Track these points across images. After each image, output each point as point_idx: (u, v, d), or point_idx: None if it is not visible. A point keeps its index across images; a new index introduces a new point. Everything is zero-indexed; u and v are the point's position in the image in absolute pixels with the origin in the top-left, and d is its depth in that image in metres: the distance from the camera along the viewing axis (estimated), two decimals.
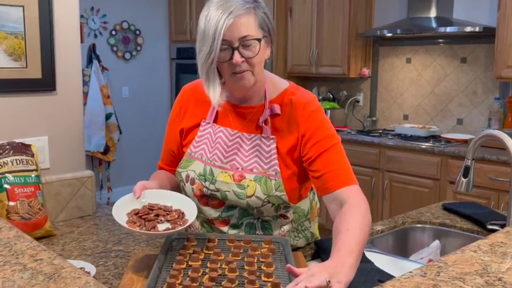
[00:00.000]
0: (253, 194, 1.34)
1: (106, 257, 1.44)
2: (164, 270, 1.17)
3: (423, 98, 4.37)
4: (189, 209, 1.30)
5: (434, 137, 3.98)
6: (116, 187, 5.46)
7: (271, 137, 1.36)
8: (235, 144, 1.38)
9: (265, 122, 1.37)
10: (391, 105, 4.60)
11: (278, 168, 1.34)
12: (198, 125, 1.45)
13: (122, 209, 1.26)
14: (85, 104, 4.80)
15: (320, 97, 4.90)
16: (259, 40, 1.26)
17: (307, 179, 1.39)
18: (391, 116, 4.60)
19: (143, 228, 1.20)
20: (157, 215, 1.26)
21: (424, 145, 3.75)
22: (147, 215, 1.25)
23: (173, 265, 1.17)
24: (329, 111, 4.61)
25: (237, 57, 1.25)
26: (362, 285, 1.19)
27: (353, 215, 1.20)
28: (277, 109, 1.37)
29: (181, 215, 1.28)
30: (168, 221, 1.25)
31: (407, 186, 3.84)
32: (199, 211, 1.44)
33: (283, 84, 1.42)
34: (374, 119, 4.68)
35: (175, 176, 1.49)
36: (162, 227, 1.24)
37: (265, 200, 1.34)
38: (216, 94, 1.29)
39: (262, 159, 1.35)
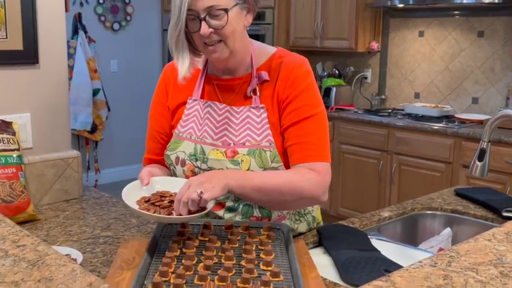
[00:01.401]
0: (248, 169, 1.35)
1: (94, 243, 1.45)
2: (156, 257, 1.18)
3: (436, 75, 4.35)
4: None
5: (447, 117, 3.98)
6: (104, 168, 5.47)
7: (261, 106, 1.37)
8: (224, 119, 1.40)
9: (254, 91, 1.39)
10: (401, 82, 4.58)
11: (272, 138, 1.36)
12: (184, 103, 1.46)
13: (130, 197, 1.26)
14: (70, 79, 4.77)
15: (325, 73, 4.88)
16: (225, 10, 1.28)
17: None
18: (401, 94, 4.59)
19: (157, 214, 1.21)
20: (171, 202, 1.26)
21: (436, 126, 3.75)
22: (161, 202, 1.25)
23: (166, 252, 1.18)
24: (334, 89, 4.60)
25: (203, 28, 1.28)
26: (368, 275, 1.20)
27: (291, 172, 1.31)
28: (265, 76, 1.39)
29: None
30: None
31: (417, 169, 3.84)
32: None
33: (271, 49, 1.44)
34: (383, 97, 4.67)
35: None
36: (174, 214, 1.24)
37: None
38: (183, 66, 1.33)
39: (254, 130, 1.37)
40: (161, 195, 1.28)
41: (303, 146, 1.32)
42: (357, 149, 4.16)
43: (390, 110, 4.40)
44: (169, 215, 1.22)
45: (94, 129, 5.10)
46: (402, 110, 4.34)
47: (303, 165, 1.32)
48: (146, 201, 1.26)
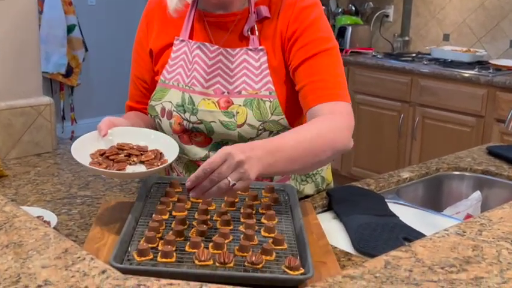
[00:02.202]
0: (244, 122, 1.34)
1: (70, 204, 1.45)
2: (141, 221, 1.18)
3: (469, 14, 4.28)
4: (169, 148, 1.30)
5: (481, 63, 3.94)
6: (81, 118, 5.46)
7: (260, 47, 1.35)
8: (217, 63, 1.38)
9: (252, 30, 1.36)
10: (428, 21, 4.51)
11: (272, 87, 1.35)
12: (170, 45, 1.45)
13: (84, 149, 1.26)
14: (40, 13, 4.70)
15: (339, 9, 4.81)
16: None
17: None
18: (428, 36, 4.54)
19: (110, 169, 1.21)
20: (129, 155, 1.26)
21: (467, 73, 3.71)
22: (116, 155, 1.25)
23: (153, 215, 1.18)
24: (349, 28, 4.54)
25: None
26: (384, 244, 1.21)
27: (316, 123, 1.26)
28: (265, 11, 1.36)
29: (158, 155, 1.28)
30: (142, 162, 1.26)
31: (443, 124, 3.84)
32: (182, 151, 1.44)
33: None
34: (407, 39, 4.61)
35: (147, 114, 1.49)
36: (136, 169, 1.24)
37: (261, 127, 1.35)
38: None
39: (252, 77, 1.36)
40: (120, 148, 1.28)
41: (318, 85, 1.30)
42: (375, 100, 4.14)
43: (414, 54, 4.36)
44: (122, 169, 1.22)
45: (69, 72, 5.07)
46: (429, 54, 4.30)
47: (320, 108, 1.29)
48: (102, 155, 1.26)
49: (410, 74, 3.95)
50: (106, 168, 1.21)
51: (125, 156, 1.26)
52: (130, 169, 1.24)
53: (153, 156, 1.27)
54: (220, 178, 1.08)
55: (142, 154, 1.28)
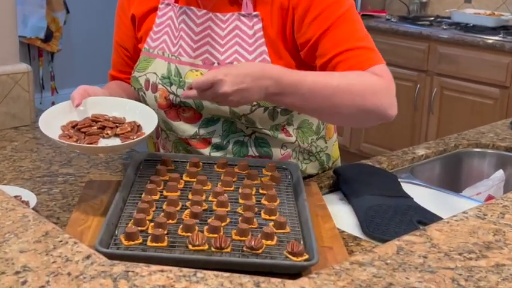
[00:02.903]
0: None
1: (51, 182, 1.45)
2: (130, 202, 1.18)
3: None
4: (148, 119, 1.30)
5: (506, 28, 3.92)
6: (63, 88, 5.44)
7: (254, 13, 1.34)
8: (205, 30, 1.37)
9: None
10: None
11: (268, 58, 1.34)
12: (155, 9, 1.44)
13: (55, 121, 1.26)
14: None
15: None
16: None
17: None
18: None
19: (80, 142, 1.21)
20: (103, 128, 1.26)
21: (491, 39, 3.69)
22: (89, 128, 1.25)
23: (143, 196, 1.18)
24: None
25: None
26: (397, 227, 1.21)
27: (353, 74, 1.28)
28: None
29: (135, 127, 1.28)
30: (118, 135, 1.26)
31: (463, 95, 3.83)
32: (169, 128, 1.45)
33: None
34: (424, 0, 4.58)
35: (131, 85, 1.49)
36: (110, 143, 1.24)
37: (255, 103, 1.34)
38: None
39: (245, 46, 1.35)
40: (94, 120, 1.28)
41: (345, 56, 1.29)
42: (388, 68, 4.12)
43: (432, 18, 4.33)
44: (94, 142, 1.22)
45: (48, 36, 5.03)
46: (448, 18, 4.27)
47: None
48: (74, 127, 1.26)
49: (427, 40, 3.93)
50: (76, 141, 1.21)
51: (98, 128, 1.26)
52: (103, 143, 1.24)
53: (129, 129, 1.27)
54: (207, 98, 1.22)
55: (117, 126, 1.28)
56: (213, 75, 1.19)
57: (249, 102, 1.25)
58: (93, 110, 1.31)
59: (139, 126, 1.29)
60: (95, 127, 1.26)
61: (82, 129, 1.25)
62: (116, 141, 1.25)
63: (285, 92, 1.22)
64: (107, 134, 1.25)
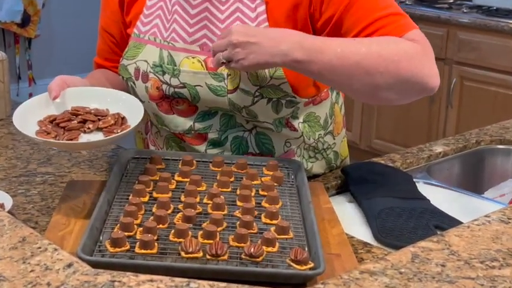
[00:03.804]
0: (237, 87, 1.34)
1: (28, 182, 1.45)
2: (116, 204, 1.19)
3: None
4: (133, 110, 1.30)
5: None
6: (41, 78, 5.44)
7: None
8: (202, 12, 1.37)
9: None
10: None
11: None
12: None
13: (31, 115, 1.26)
14: None
15: None
16: None
17: None
18: None
19: (59, 139, 1.21)
20: (84, 122, 1.26)
21: None
22: (68, 122, 1.25)
23: (130, 197, 1.18)
24: None
25: None
26: (411, 233, 1.22)
27: (385, 39, 1.28)
28: None
29: (119, 120, 1.28)
30: (100, 129, 1.26)
31: (485, 86, 3.82)
32: (161, 122, 1.45)
33: None
34: None
35: (118, 75, 1.49)
36: (92, 138, 1.24)
37: (257, 93, 1.34)
38: None
39: None
40: (74, 113, 1.28)
41: (378, 24, 1.29)
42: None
43: (451, 1, 4.33)
44: (74, 138, 1.22)
45: (25, 21, 5.03)
46: (469, 0, 4.27)
47: None
48: (52, 122, 1.26)
49: (446, 25, 3.93)
50: (54, 138, 1.21)
51: (79, 122, 1.26)
52: (84, 138, 1.24)
53: (113, 122, 1.27)
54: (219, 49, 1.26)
55: (99, 120, 1.28)
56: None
57: (259, 63, 1.24)
58: (73, 103, 1.31)
59: (123, 118, 1.29)
60: (75, 121, 1.26)
61: (61, 124, 1.25)
62: (98, 136, 1.25)
63: (310, 58, 1.22)
64: (88, 128, 1.25)
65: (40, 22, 5.19)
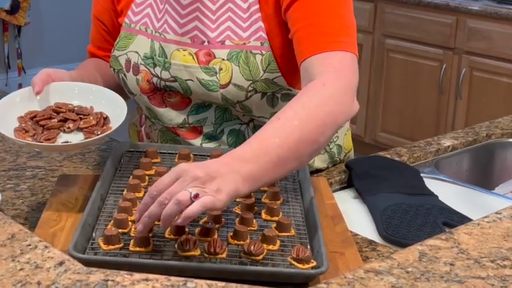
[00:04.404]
0: (229, 82, 1.34)
1: (18, 177, 1.46)
2: (109, 200, 1.19)
3: None
4: (116, 109, 1.29)
5: None
6: (31, 67, 5.43)
7: None
8: (194, 2, 1.37)
9: None
10: None
11: (265, 35, 1.34)
12: None
13: (12, 111, 1.26)
14: None
15: None
16: None
17: None
18: None
19: (35, 139, 1.20)
20: (64, 120, 1.26)
21: None
22: (48, 120, 1.25)
23: (124, 193, 1.18)
24: None
25: None
26: (419, 230, 1.22)
27: (301, 100, 1.18)
28: None
29: (102, 120, 1.28)
30: (81, 129, 1.25)
31: (496, 77, 3.82)
32: (154, 116, 1.45)
33: None
34: None
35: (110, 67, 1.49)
36: (72, 138, 1.24)
37: (250, 88, 1.34)
38: None
39: (239, 23, 1.35)
40: (56, 110, 1.28)
41: (312, 30, 1.27)
42: (409, 46, 4.11)
43: None
44: (51, 139, 1.22)
45: (15, 7, 5.03)
46: None
47: (311, 61, 1.24)
48: (32, 118, 1.26)
49: (455, 13, 3.92)
50: (32, 136, 1.21)
51: (59, 121, 1.25)
52: (63, 138, 1.24)
53: (94, 122, 1.26)
54: (173, 194, 1.00)
55: (81, 119, 1.27)
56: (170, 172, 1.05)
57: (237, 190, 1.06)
58: (56, 98, 1.31)
59: (106, 118, 1.28)
60: (56, 119, 1.25)
61: (41, 122, 1.24)
62: (78, 137, 1.24)
63: (261, 173, 1.08)
64: (68, 128, 1.25)
65: (30, 9, 5.18)
